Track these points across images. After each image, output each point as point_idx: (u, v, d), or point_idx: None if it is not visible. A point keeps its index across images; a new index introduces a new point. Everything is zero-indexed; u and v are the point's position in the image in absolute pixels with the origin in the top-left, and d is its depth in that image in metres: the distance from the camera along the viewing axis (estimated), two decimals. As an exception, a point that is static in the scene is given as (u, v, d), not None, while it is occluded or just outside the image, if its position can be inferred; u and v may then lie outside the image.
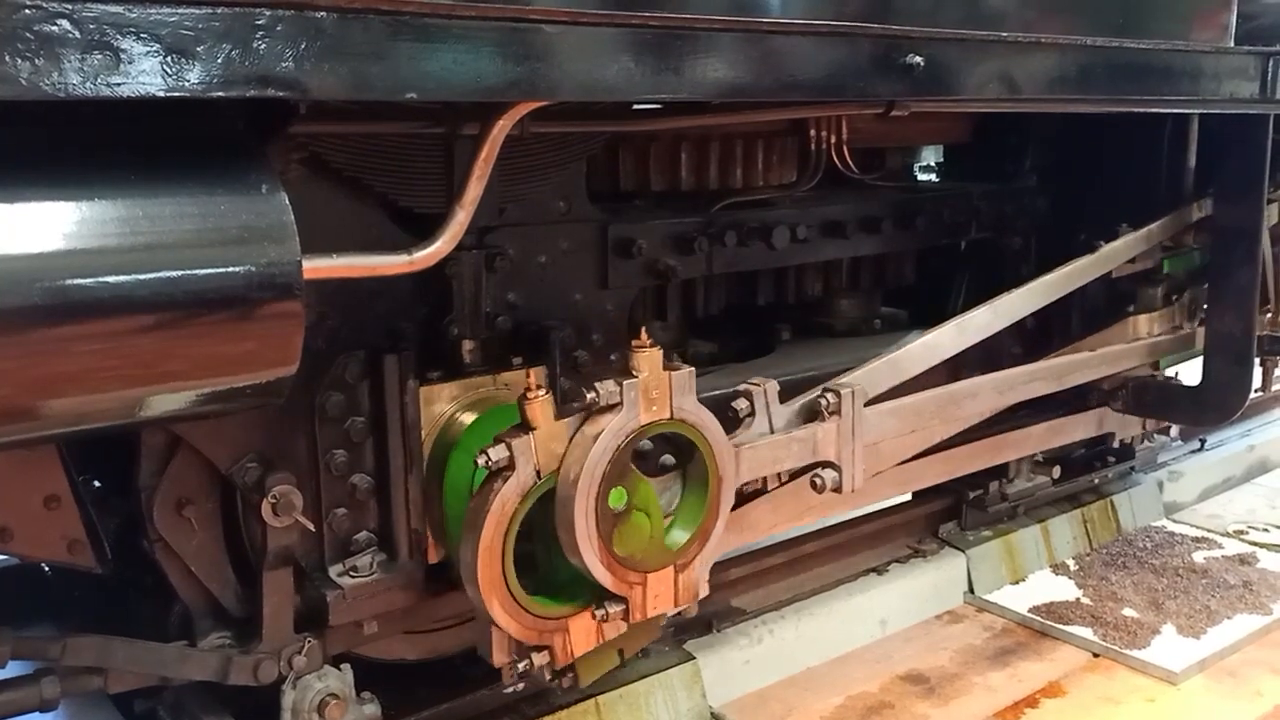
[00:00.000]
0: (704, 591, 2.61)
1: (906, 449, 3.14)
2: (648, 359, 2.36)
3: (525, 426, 2.33)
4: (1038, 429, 3.95)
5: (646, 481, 2.46)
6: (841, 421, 2.79)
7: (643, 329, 2.41)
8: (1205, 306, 4.12)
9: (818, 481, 2.80)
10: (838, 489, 2.81)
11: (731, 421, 2.72)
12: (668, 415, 2.41)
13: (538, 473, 2.34)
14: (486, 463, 2.30)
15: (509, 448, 2.30)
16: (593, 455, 2.31)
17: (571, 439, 2.35)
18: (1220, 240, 3.94)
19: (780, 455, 2.73)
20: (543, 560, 2.52)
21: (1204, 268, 4.11)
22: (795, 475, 2.88)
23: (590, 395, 2.32)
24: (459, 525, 2.61)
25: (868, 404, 2.90)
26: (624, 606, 2.47)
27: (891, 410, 3.00)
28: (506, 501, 2.33)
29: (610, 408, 2.34)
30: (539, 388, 2.33)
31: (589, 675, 2.62)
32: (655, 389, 2.38)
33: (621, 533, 2.41)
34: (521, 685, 2.96)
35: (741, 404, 2.75)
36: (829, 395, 2.78)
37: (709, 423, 2.51)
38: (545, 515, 2.39)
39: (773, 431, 2.76)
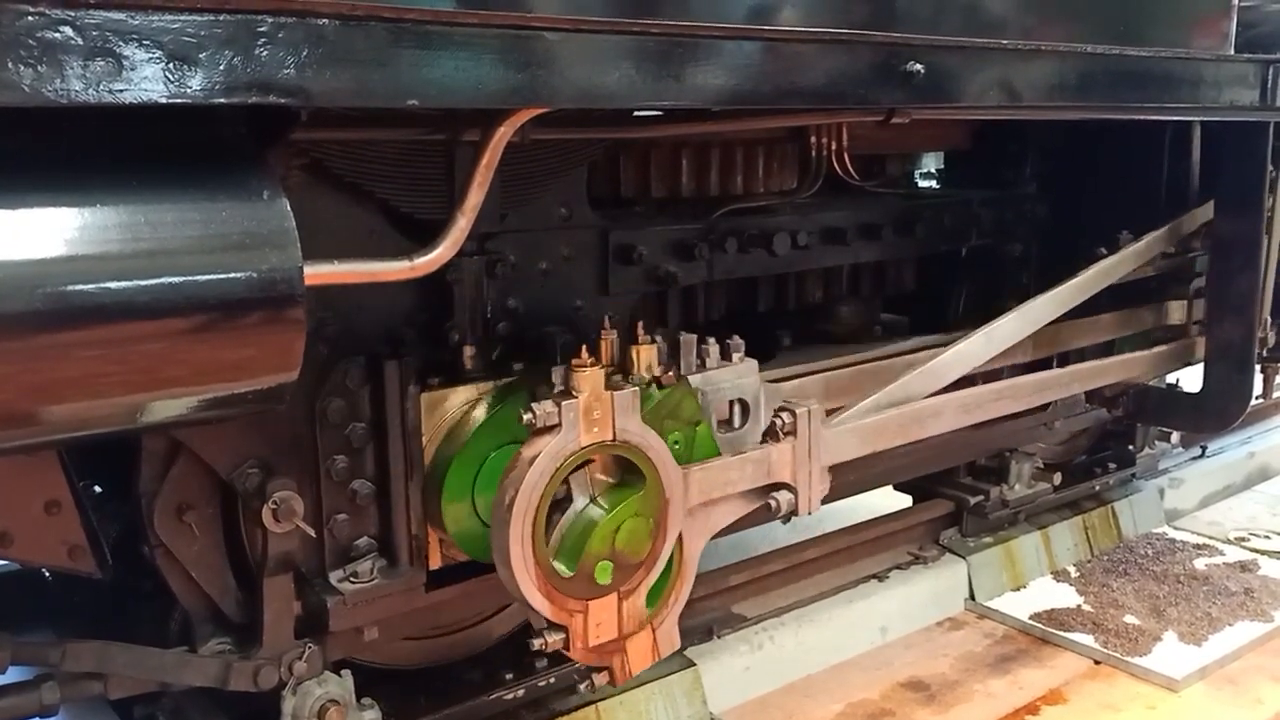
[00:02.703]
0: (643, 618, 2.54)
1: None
2: (588, 379, 2.27)
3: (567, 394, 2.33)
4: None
5: (610, 510, 2.39)
6: (797, 442, 2.68)
7: (583, 346, 2.33)
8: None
9: (773, 504, 2.68)
10: (794, 512, 2.71)
11: (771, 435, 2.71)
12: (610, 437, 2.32)
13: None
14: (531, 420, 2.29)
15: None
16: (529, 479, 2.23)
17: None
18: (1220, 247, 3.94)
19: (733, 477, 2.61)
20: None
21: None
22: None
23: (527, 416, 2.24)
24: (460, 529, 2.63)
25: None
26: (564, 635, 2.38)
27: (852, 430, 2.89)
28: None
29: (548, 429, 2.25)
30: (589, 357, 2.34)
31: None
32: (597, 410, 2.28)
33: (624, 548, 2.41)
34: (521, 692, 2.97)
35: (785, 418, 2.69)
36: (784, 415, 2.68)
37: (654, 444, 2.41)
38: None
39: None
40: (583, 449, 2.29)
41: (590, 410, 2.28)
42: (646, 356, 2.50)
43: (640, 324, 2.58)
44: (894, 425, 3.02)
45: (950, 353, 3.17)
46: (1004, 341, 3.32)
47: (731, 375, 2.67)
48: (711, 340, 2.66)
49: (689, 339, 2.64)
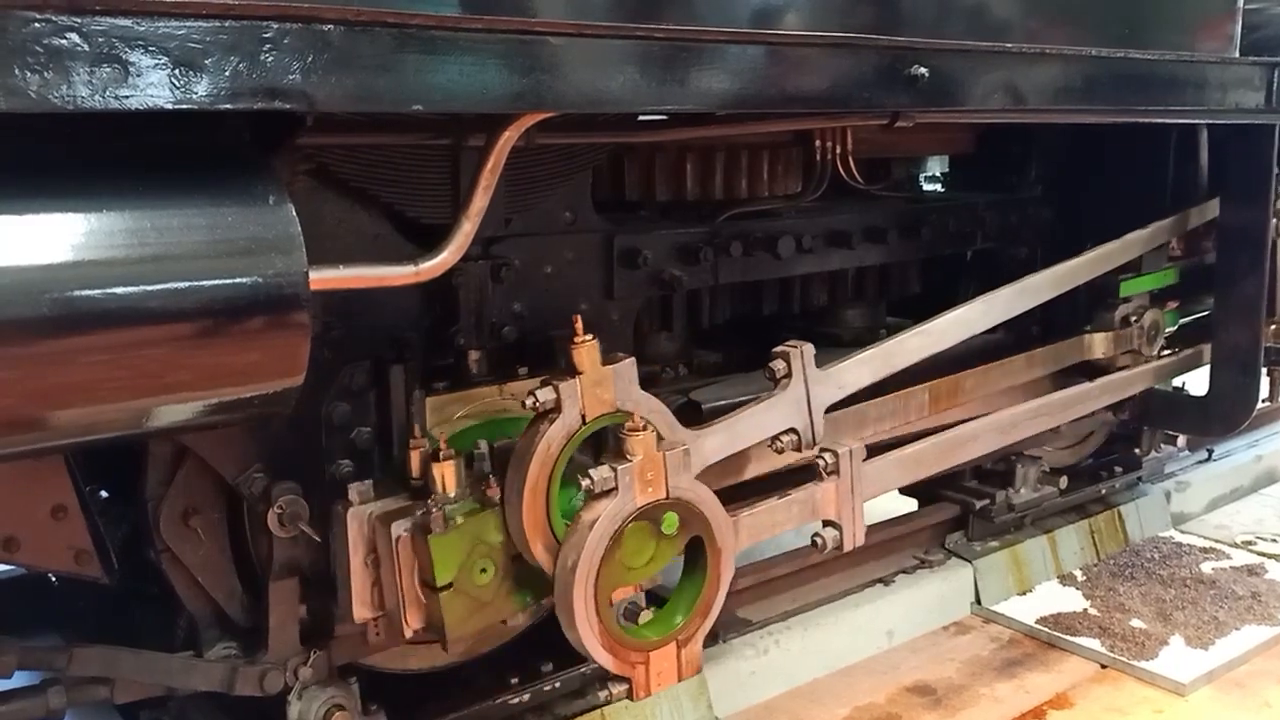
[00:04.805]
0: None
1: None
2: (641, 442, 2.37)
3: (572, 370, 2.36)
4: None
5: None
6: (840, 481, 2.78)
7: (635, 414, 2.41)
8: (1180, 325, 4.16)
9: (818, 541, 2.79)
10: (839, 547, 2.81)
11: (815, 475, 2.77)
12: (664, 495, 2.43)
13: (583, 416, 2.37)
14: (534, 405, 2.33)
15: (556, 390, 2.33)
16: (590, 542, 2.33)
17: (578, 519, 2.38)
18: (1226, 250, 3.93)
19: (780, 519, 2.72)
20: None
21: (1177, 285, 4.12)
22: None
23: (585, 482, 2.33)
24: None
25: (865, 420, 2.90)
26: (628, 686, 2.51)
27: (894, 461, 2.98)
28: (552, 443, 2.36)
29: (606, 493, 2.35)
30: (586, 333, 2.36)
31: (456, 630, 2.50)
32: (650, 471, 2.39)
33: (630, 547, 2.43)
34: (527, 696, 2.97)
35: (778, 365, 2.74)
36: (827, 455, 2.77)
37: (706, 498, 2.52)
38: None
39: (809, 394, 2.77)
40: (639, 509, 2.39)
41: (644, 472, 2.39)
42: (450, 477, 2.43)
43: (444, 437, 2.49)
44: (933, 454, 3.09)
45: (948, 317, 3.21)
46: (1004, 313, 3.37)
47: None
48: None
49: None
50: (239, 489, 2.44)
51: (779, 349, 2.78)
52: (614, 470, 2.34)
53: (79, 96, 1.49)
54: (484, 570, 2.43)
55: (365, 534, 2.43)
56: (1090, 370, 4.01)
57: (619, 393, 2.43)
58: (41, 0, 1.44)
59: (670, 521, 2.46)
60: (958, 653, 3.77)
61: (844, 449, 2.77)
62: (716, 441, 2.64)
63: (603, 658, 2.42)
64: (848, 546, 2.81)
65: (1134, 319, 4.01)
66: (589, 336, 2.37)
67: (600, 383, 2.39)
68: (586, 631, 2.37)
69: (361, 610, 2.46)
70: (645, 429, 2.39)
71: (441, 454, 2.43)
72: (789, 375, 2.75)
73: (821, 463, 2.77)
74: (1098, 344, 3.96)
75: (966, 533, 4.25)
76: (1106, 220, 3.99)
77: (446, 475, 2.41)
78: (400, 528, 2.38)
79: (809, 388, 2.77)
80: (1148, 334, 4.04)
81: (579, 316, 2.39)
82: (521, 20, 1.96)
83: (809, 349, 2.78)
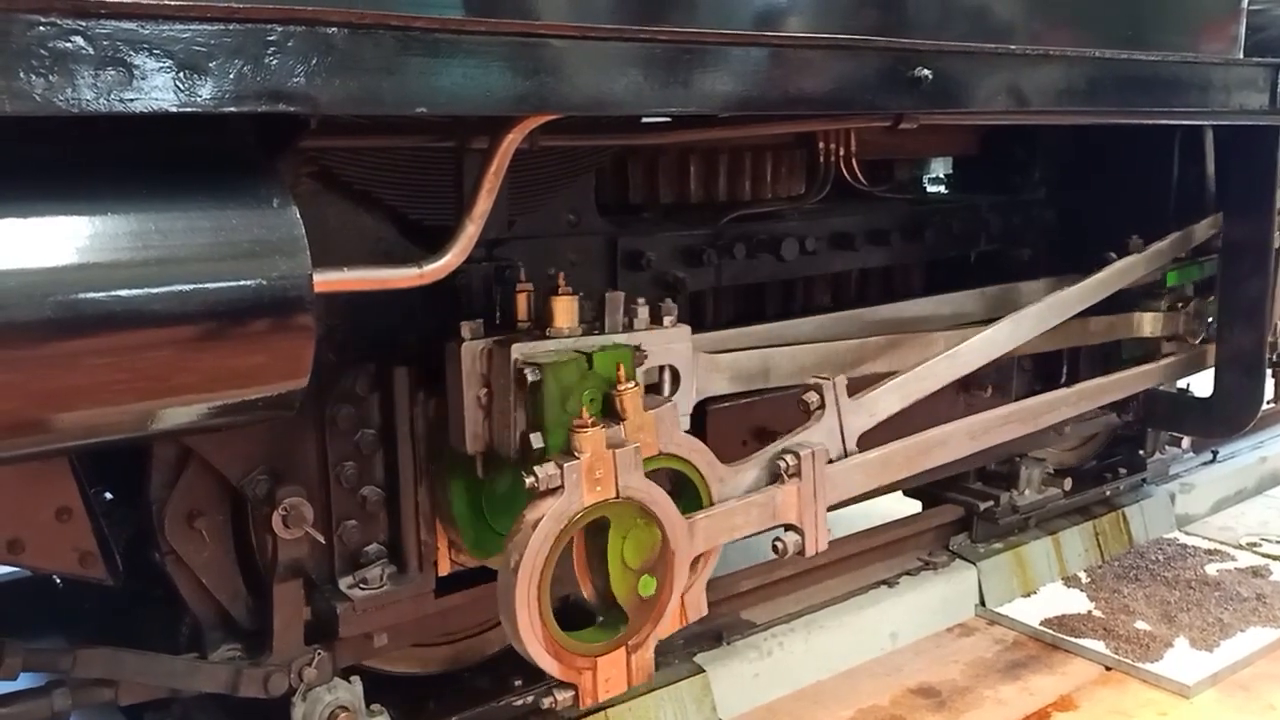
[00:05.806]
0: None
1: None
2: (590, 439, 2.27)
3: (616, 416, 2.35)
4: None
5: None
6: (802, 484, 2.67)
7: (583, 408, 2.31)
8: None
9: (779, 546, 2.68)
10: (800, 553, 2.70)
11: (801, 415, 2.74)
12: (614, 495, 2.33)
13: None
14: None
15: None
16: (533, 543, 2.23)
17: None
18: (1230, 252, 3.93)
19: (739, 523, 2.60)
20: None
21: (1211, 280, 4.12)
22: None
23: (530, 480, 2.23)
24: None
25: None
26: (573, 693, 2.40)
27: (858, 465, 2.86)
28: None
29: (551, 491, 2.25)
30: (629, 379, 2.35)
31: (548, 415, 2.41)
32: (599, 469, 2.29)
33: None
34: (530, 698, 2.97)
35: (812, 397, 2.72)
36: (788, 457, 2.66)
37: (659, 499, 2.42)
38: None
39: (842, 425, 2.76)
40: (586, 509, 2.30)
41: (593, 470, 2.29)
42: (566, 310, 2.46)
43: (562, 275, 2.53)
44: (901, 457, 3.00)
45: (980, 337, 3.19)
46: (1032, 330, 3.37)
47: (661, 339, 2.58)
48: (641, 300, 2.60)
49: (615, 296, 2.55)
50: (243, 491, 2.45)
51: (812, 381, 2.75)
52: (560, 468, 2.24)
53: (84, 99, 1.49)
54: (592, 400, 2.37)
55: (479, 370, 2.43)
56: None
57: (662, 436, 2.41)
58: (46, 4, 1.45)
59: (647, 585, 2.42)
60: (962, 655, 3.76)
61: (805, 450, 2.68)
62: (754, 476, 2.64)
63: (547, 663, 2.32)
64: (809, 552, 2.71)
65: (1181, 305, 4.03)
66: (632, 383, 2.36)
67: (643, 428, 2.37)
68: (529, 636, 2.28)
69: (474, 444, 2.47)
70: (594, 425, 2.29)
71: (560, 290, 2.46)
72: (822, 407, 2.73)
73: (782, 464, 2.66)
74: (1147, 323, 4.00)
75: (970, 534, 4.25)
76: (1110, 222, 3.99)
77: (575, 307, 2.46)
78: (520, 350, 2.38)
79: (842, 418, 2.75)
80: (1193, 321, 4.06)
81: (621, 365, 2.38)
82: (525, 23, 1.96)
83: (841, 380, 2.76)
